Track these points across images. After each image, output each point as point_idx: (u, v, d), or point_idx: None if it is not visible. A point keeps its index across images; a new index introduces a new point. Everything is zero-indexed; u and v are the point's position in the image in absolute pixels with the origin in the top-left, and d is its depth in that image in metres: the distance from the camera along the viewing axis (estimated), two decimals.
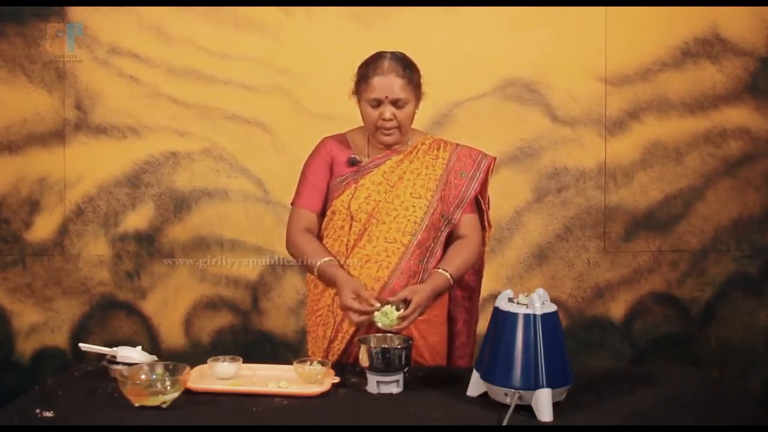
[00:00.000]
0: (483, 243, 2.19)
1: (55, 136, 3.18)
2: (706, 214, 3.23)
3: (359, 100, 2.04)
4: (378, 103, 1.99)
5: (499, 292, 1.71)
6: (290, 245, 2.09)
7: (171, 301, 3.23)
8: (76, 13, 3.15)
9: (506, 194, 3.20)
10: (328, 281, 2.01)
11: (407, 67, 2.01)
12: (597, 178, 3.21)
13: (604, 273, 3.23)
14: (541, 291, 1.65)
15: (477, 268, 2.21)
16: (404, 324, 1.89)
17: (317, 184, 2.09)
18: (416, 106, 2.05)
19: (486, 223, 2.18)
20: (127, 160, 3.20)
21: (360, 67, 2.05)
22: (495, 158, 2.15)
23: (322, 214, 2.11)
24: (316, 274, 2.01)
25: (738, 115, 3.21)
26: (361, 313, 1.88)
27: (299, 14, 3.16)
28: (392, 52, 2.03)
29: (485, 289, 3.17)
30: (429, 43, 3.15)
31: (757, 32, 3.19)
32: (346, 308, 1.91)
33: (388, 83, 1.97)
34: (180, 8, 3.14)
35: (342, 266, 2.02)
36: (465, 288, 2.20)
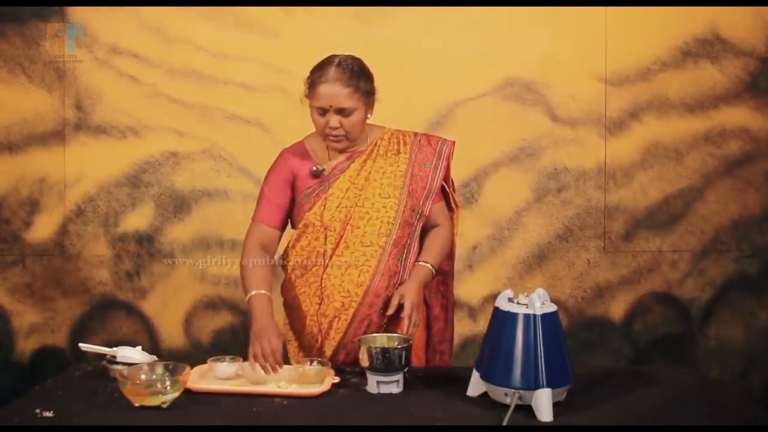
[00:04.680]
0: (453, 225, 2.21)
1: (55, 136, 3.18)
2: (706, 214, 3.23)
3: (309, 106, 2.01)
4: (324, 112, 1.96)
5: (499, 292, 1.71)
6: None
7: (171, 301, 3.23)
8: (76, 13, 3.15)
9: (506, 194, 3.21)
10: (252, 313, 1.94)
11: (354, 75, 1.96)
12: (597, 178, 3.21)
13: (604, 273, 3.23)
14: (541, 291, 1.65)
15: (448, 252, 2.21)
16: (411, 329, 1.92)
17: (275, 201, 2.08)
18: (368, 111, 2.02)
19: (453, 205, 2.20)
20: (127, 160, 3.19)
21: (310, 73, 2.01)
22: (454, 142, 2.15)
23: (281, 228, 2.11)
24: (246, 300, 1.97)
25: (738, 115, 3.20)
26: (260, 364, 1.80)
27: (299, 14, 3.16)
28: (342, 58, 1.98)
29: (485, 289, 3.21)
30: (429, 42, 3.15)
31: (757, 32, 3.18)
32: (252, 348, 1.81)
33: (332, 92, 1.93)
34: (180, 8, 3.14)
35: (270, 303, 1.96)
36: (439, 272, 2.16)
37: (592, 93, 3.19)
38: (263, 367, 1.79)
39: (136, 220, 3.21)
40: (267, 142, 3.17)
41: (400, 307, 1.96)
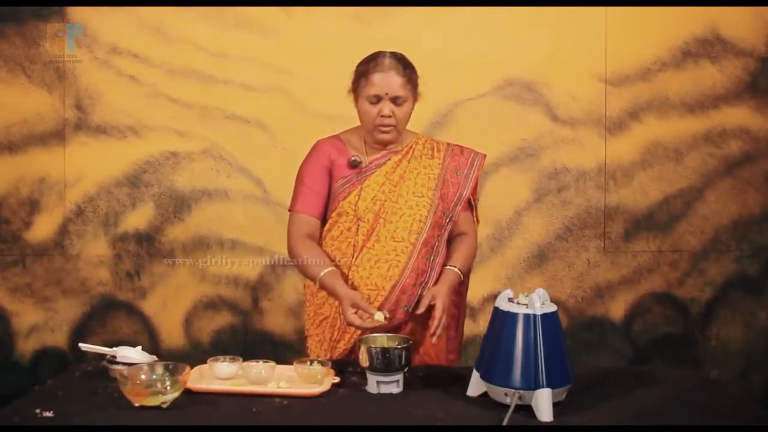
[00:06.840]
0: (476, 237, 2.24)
1: (55, 136, 3.18)
2: (706, 214, 3.23)
3: (357, 98, 2.06)
4: (377, 100, 2.01)
5: (499, 292, 1.71)
6: (292, 253, 2.08)
7: (171, 301, 3.23)
8: (76, 13, 3.15)
9: (506, 194, 3.20)
10: (329, 293, 2.01)
11: (407, 66, 2.04)
12: (597, 178, 3.21)
13: (604, 273, 3.23)
14: (541, 291, 1.65)
15: (472, 261, 2.24)
16: (439, 330, 1.94)
17: (315, 189, 2.09)
18: (412, 106, 2.07)
19: (475, 219, 2.24)
20: (127, 160, 3.20)
21: (359, 65, 2.07)
22: (485, 155, 2.20)
23: (321, 219, 2.11)
24: (317, 285, 2.01)
25: (738, 115, 3.21)
26: (364, 327, 1.89)
27: (299, 14, 3.16)
28: (392, 52, 2.06)
29: (485, 289, 3.21)
30: (429, 42, 3.15)
31: (757, 32, 3.19)
32: (349, 323, 1.91)
33: (388, 80, 2.00)
34: (180, 8, 3.14)
35: (343, 276, 2.02)
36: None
37: (592, 93, 3.19)
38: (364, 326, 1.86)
39: (136, 220, 3.21)
40: (267, 142, 3.17)
41: (427, 308, 1.97)
